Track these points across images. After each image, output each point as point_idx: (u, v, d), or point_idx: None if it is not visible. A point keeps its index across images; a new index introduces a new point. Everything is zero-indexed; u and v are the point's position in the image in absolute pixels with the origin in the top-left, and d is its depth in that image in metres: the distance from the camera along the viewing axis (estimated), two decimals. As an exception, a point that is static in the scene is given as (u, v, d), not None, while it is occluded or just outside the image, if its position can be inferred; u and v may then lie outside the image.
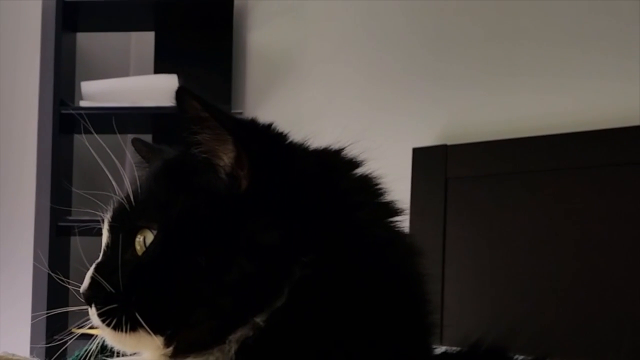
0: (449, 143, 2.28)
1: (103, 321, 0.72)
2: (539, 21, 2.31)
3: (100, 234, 0.78)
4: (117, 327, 0.71)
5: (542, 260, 2.10)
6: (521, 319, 2.03)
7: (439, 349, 0.75)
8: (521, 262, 2.13)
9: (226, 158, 0.72)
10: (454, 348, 0.74)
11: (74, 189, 2.49)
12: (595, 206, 2.05)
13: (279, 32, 2.71)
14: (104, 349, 0.81)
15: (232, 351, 0.69)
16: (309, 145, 0.77)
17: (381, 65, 2.52)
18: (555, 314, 2.04)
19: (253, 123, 0.75)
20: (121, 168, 0.79)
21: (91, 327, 0.76)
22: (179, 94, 0.71)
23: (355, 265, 0.70)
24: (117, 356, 0.79)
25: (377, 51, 2.53)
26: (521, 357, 0.75)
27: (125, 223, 0.74)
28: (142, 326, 0.70)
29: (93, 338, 0.81)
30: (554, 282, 2.07)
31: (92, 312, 0.74)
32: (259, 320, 0.68)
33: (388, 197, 0.76)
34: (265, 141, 0.73)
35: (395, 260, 0.73)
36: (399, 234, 0.76)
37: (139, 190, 0.74)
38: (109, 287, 0.71)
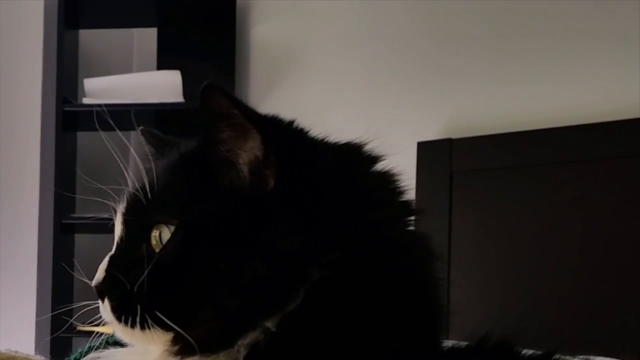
0: (453, 137, 2.27)
1: (117, 317, 0.71)
2: (543, 15, 2.31)
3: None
4: (133, 324, 0.70)
5: (548, 252, 2.09)
6: (527, 312, 2.02)
7: (447, 343, 0.74)
8: (527, 255, 2.13)
9: (248, 156, 0.71)
10: (462, 342, 0.74)
11: (77, 185, 2.49)
12: (601, 199, 2.05)
13: (282, 27, 2.71)
14: (107, 345, 0.80)
15: (241, 357, 0.67)
16: (328, 141, 0.76)
17: (385, 59, 2.52)
18: (562, 306, 2.03)
19: (278, 120, 0.74)
20: (138, 161, 0.77)
21: (96, 325, 0.75)
22: (208, 90, 0.69)
23: (375, 267, 0.69)
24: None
25: (381, 45, 2.53)
26: (530, 351, 0.74)
27: (141, 216, 0.72)
28: (158, 324, 0.69)
29: (94, 335, 0.80)
30: (559, 274, 2.07)
31: (105, 305, 0.72)
32: (270, 324, 0.67)
33: (407, 196, 0.75)
34: (292, 139, 0.72)
35: (412, 263, 0.72)
36: (417, 235, 0.75)
37: (155, 183, 0.72)
38: (127, 283, 0.70)
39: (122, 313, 0.71)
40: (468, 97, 2.37)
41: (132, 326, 0.70)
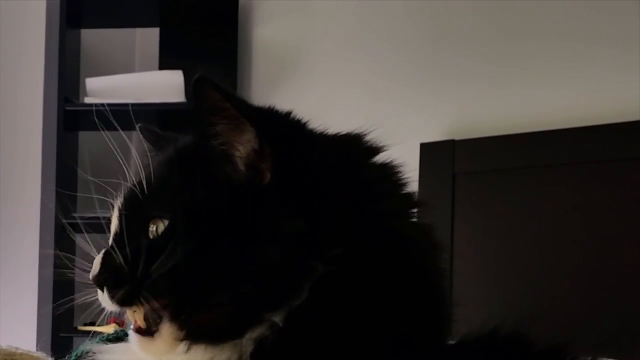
0: (456, 138, 2.27)
1: (119, 302, 0.71)
2: (546, 17, 2.31)
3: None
4: (132, 305, 0.70)
5: (550, 253, 2.09)
6: (528, 311, 2.02)
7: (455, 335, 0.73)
8: (529, 256, 2.13)
9: (244, 149, 0.70)
10: (471, 334, 0.73)
11: (79, 184, 2.48)
12: (603, 200, 2.05)
13: (285, 27, 2.70)
14: (106, 342, 0.80)
15: (248, 352, 0.67)
16: (327, 132, 0.75)
17: (388, 61, 2.51)
18: (561, 306, 2.03)
19: (274, 112, 0.73)
20: (137, 160, 0.77)
21: (93, 325, 0.75)
22: (198, 83, 0.68)
23: (380, 261, 0.68)
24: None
25: (384, 46, 2.52)
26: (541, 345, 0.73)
27: (138, 211, 0.72)
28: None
29: (91, 334, 0.79)
30: (561, 275, 2.07)
31: (104, 295, 0.72)
32: (277, 319, 0.66)
33: (410, 188, 0.74)
34: (287, 131, 0.71)
35: (417, 255, 0.71)
36: (421, 226, 0.74)
37: (152, 178, 0.72)
38: (125, 267, 0.70)
39: (125, 302, 0.70)
40: (471, 99, 2.37)
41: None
